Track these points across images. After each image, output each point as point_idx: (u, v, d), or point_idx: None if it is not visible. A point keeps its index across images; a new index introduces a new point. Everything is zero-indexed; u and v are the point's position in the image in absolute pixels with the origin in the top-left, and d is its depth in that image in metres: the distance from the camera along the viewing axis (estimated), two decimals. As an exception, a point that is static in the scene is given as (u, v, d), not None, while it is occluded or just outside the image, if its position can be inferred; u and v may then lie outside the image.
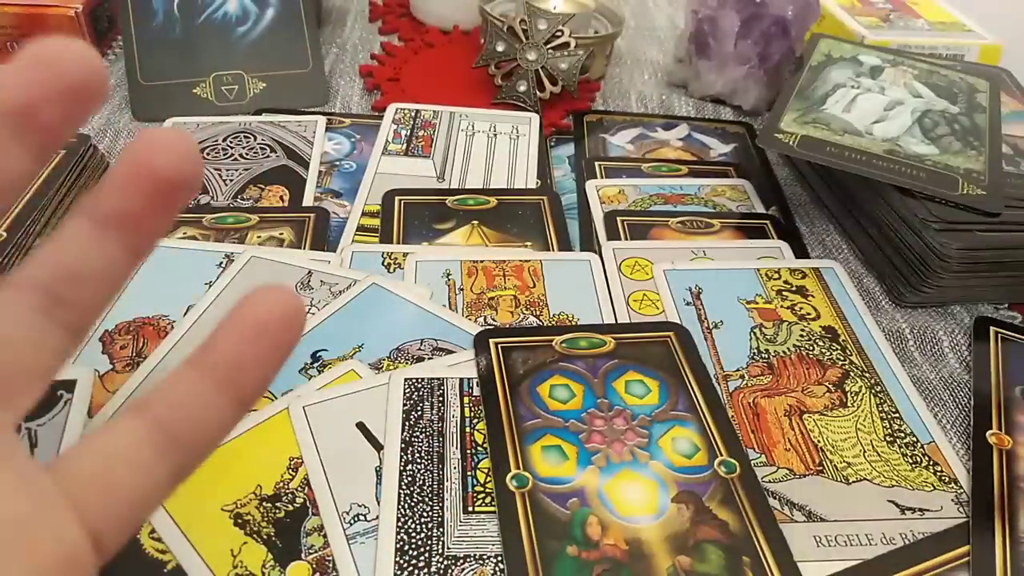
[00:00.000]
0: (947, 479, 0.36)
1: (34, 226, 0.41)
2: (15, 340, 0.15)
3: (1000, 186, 0.46)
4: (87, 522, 0.15)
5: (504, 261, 0.45)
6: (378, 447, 0.34)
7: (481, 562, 0.31)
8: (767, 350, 0.41)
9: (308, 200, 0.51)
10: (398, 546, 0.31)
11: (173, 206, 0.16)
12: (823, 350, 0.41)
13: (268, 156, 0.54)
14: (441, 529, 0.31)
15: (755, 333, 0.42)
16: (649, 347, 0.40)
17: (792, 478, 0.35)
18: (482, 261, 0.45)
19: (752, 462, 0.35)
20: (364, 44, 0.71)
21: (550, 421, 0.36)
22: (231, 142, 0.55)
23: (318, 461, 0.33)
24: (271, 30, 0.62)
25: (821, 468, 0.36)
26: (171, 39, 0.60)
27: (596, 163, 0.56)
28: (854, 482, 0.35)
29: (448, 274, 0.44)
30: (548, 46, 0.59)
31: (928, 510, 0.34)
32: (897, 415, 0.38)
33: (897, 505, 0.34)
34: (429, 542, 0.31)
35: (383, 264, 0.45)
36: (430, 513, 0.32)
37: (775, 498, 0.34)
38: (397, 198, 0.50)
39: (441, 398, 0.37)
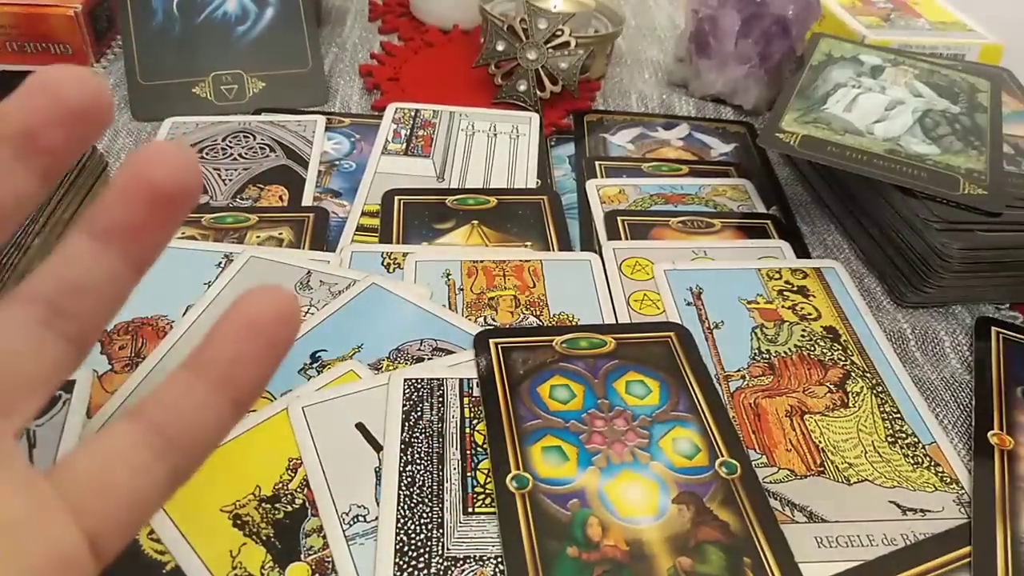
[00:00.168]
0: (948, 480, 0.35)
1: (33, 226, 0.41)
2: (15, 350, 0.15)
3: (1001, 186, 0.46)
4: (84, 525, 0.15)
5: (504, 261, 0.45)
6: (377, 448, 0.34)
7: (481, 563, 0.31)
8: (768, 350, 0.41)
9: (307, 200, 0.51)
10: (398, 547, 0.31)
11: (173, 218, 0.16)
12: (824, 350, 0.41)
13: (267, 156, 0.54)
14: (441, 530, 0.31)
15: (756, 333, 0.42)
16: (650, 347, 0.40)
17: (793, 479, 0.35)
18: (482, 261, 0.45)
19: (753, 463, 0.35)
20: (364, 44, 0.71)
21: (550, 422, 0.36)
22: (230, 142, 0.55)
23: (317, 462, 0.33)
24: (271, 30, 0.62)
25: (822, 469, 0.36)
26: (171, 39, 0.60)
27: (596, 163, 0.56)
28: (855, 483, 0.35)
29: (448, 274, 0.44)
30: (548, 45, 0.59)
31: (929, 511, 0.34)
32: (898, 415, 0.38)
33: (898, 506, 0.34)
34: (429, 543, 0.31)
35: (383, 264, 0.45)
36: (430, 514, 0.32)
37: (776, 499, 0.34)
38: (397, 198, 0.50)
39: (441, 398, 0.36)
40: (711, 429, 0.36)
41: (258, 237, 0.46)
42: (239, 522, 0.31)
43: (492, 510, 0.32)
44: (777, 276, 0.46)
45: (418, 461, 0.34)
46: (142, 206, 0.15)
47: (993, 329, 0.44)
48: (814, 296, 0.45)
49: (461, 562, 0.31)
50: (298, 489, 0.32)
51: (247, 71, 0.61)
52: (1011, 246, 0.44)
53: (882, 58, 0.58)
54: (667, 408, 0.37)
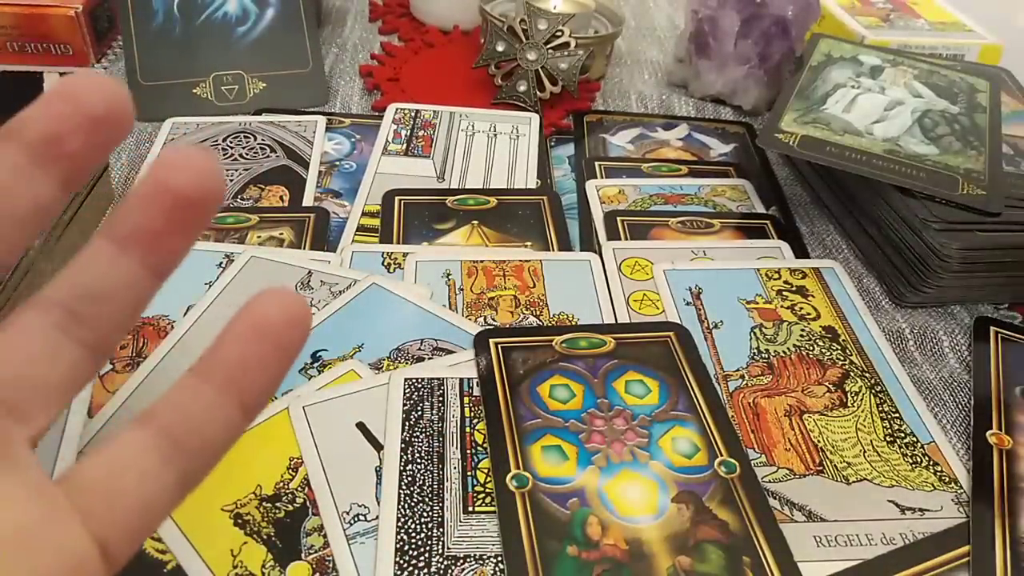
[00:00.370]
0: (947, 479, 0.36)
1: (34, 226, 0.41)
2: (33, 357, 0.15)
3: (1000, 186, 0.46)
4: (95, 531, 0.15)
5: (504, 261, 0.45)
6: (378, 447, 0.34)
7: (481, 562, 0.31)
8: (767, 350, 0.41)
9: (308, 200, 0.51)
10: (398, 546, 0.31)
11: (193, 225, 0.16)
12: (823, 350, 0.41)
13: (268, 156, 0.54)
14: (441, 529, 0.31)
15: (755, 333, 0.42)
16: (649, 347, 0.40)
17: (792, 478, 0.35)
18: (482, 261, 0.45)
19: (752, 462, 0.35)
20: (364, 44, 0.71)
21: (550, 421, 0.36)
22: (231, 142, 0.55)
23: (318, 461, 0.33)
24: (271, 30, 0.62)
25: (821, 468, 0.36)
26: (171, 39, 0.60)
27: (596, 163, 0.56)
28: (854, 482, 0.35)
29: (448, 274, 0.44)
30: (548, 46, 0.59)
31: (928, 510, 0.34)
32: (897, 415, 0.38)
33: (897, 505, 0.34)
34: (429, 542, 0.31)
35: (383, 264, 0.45)
36: (430, 513, 0.32)
37: (775, 498, 0.34)
38: (397, 198, 0.50)
39: (441, 398, 0.37)
40: (710, 428, 0.36)
41: (259, 237, 0.46)
42: (240, 521, 0.31)
43: (492, 509, 0.32)
44: (776, 276, 0.46)
45: (418, 460, 0.34)
46: (163, 212, 0.15)
47: (992, 329, 0.44)
48: (813, 296, 0.45)
49: (461, 561, 0.31)
50: (299, 488, 0.33)
51: (248, 71, 0.61)
52: (1010, 246, 0.44)
53: (881, 58, 0.58)
54: (666, 408, 0.37)
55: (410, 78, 0.65)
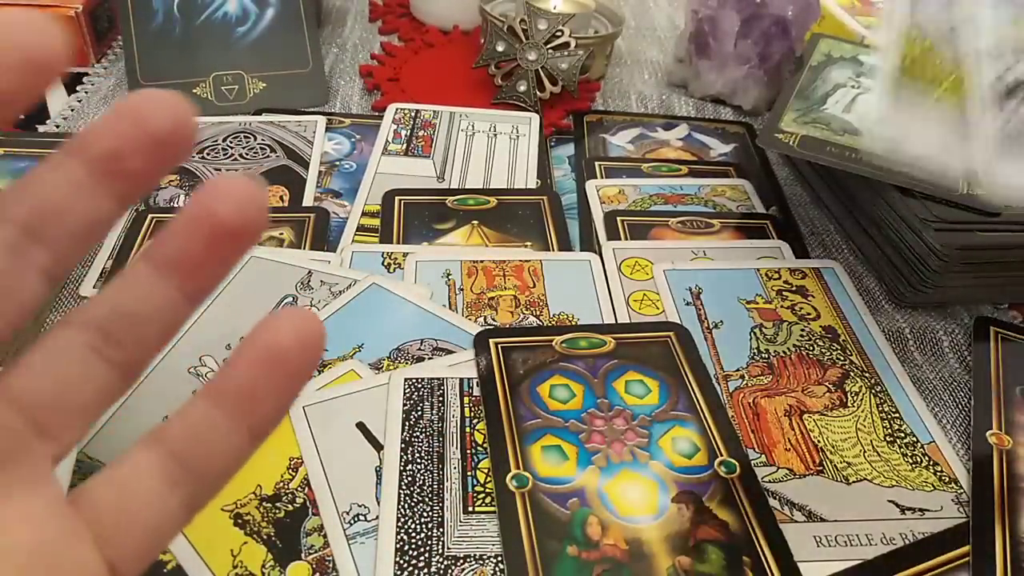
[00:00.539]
0: (947, 479, 0.36)
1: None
2: (64, 376, 0.15)
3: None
4: (106, 553, 0.15)
5: (504, 261, 0.45)
6: (378, 447, 0.34)
7: (481, 562, 0.31)
8: (767, 350, 0.41)
9: (308, 200, 0.51)
10: (398, 546, 0.31)
11: (234, 253, 0.16)
12: (823, 350, 0.41)
13: (268, 156, 0.54)
14: (441, 529, 0.31)
15: (755, 333, 0.42)
16: (649, 347, 0.40)
17: (792, 478, 0.35)
18: (482, 261, 0.45)
19: (752, 462, 0.35)
20: (364, 44, 0.71)
21: (550, 421, 0.36)
22: (231, 142, 0.55)
23: (318, 461, 0.33)
24: (271, 30, 0.62)
25: (821, 468, 0.36)
26: (171, 39, 0.60)
27: (596, 163, 0.56)
28: (854, 482, 0.35)
29: (448, 274, 0.44)
30: (548, 46, 0.59)
31: (928, 510, 0.34)
32: (897, 415, 0.38)
33: (897, 505, 0.34)
34: (429, 542, 0.31)
35: (383, 264, 0.45)
36: (430, 513, 0.32)
37: (775, 498, 0.34)
38: (397, 198, 0.50)
39: (441, 398, 0.37)
40: (710, 428, 0.36)
41: (259, 237, 0.46)
42: (240, 521, 0.31)
43: (492, 509, 0.32)
44: (776, 276, 0.46)
45: (418, 460, 0.34)
46: (203, 240, 0.15)
47: (992, 329, 0.44)
48: (813, 296, 0.45)
49: (461, 561, 0.31)
50: (299, 488, 0.33)
51: (248, 72, 0.61)
52: (1010, 246, 0.44)
53: (881, 58, 0.58)
54: (666, 407, 0.37)
55: (410, 78, 0.65)
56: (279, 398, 0.16)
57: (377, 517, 0.32)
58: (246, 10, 0.61)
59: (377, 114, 0.60)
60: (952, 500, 0.35)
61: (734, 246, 0.49)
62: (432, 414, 0.36)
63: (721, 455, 0.35)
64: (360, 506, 0.32)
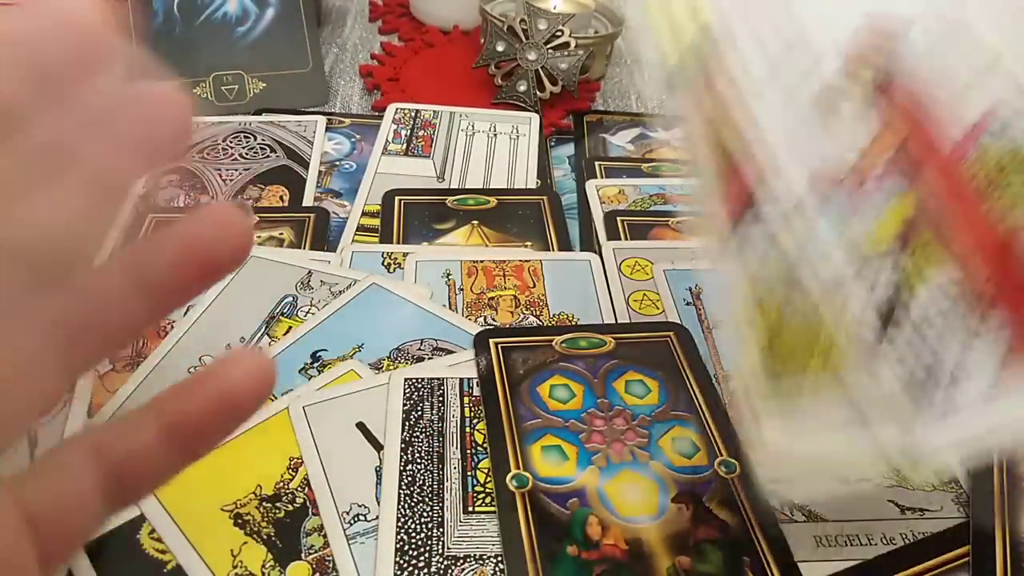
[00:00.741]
0: (947, 479, 0.36)
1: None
2: (68, 500, 0.15)
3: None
4: (34, 542, 0.15)
5: (504, 261, 0.45)
6: (378, 447, 0.34)
7: (481, 562, 0.31)
8: (767, 350, 0.41)
9: (308, 200, 0.51)
10: (398, 546, 0.31)
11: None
12: (823, 350, 0.41)
13: (268, 156, 0.54)
14: (441, 529, 0.31)
15: (755, 333, 0.42)
16: (649, 347, 0.40)
17: (792, 478, 0.35)
18: (482, 261, 0.45)
19: (752, 462, 0.35)
20: (364, 44, 0.71)
21: (550, 421, 0.36)
22: (231, 142, 0.55)
23: (318, 461, 0.33)
24: (271, 30, 0.62)
25: (821, 468, 0.36)
26: (171, 39, 0.60)
27: (596, 163, 0.56)
28: (854, 482, 0.35)
29: (448, 274, 0.44)
30: (548, 46, 0.59)
31: (928, 510, 0.34)
32: (897, 415, 0.38)
33: (897, 505, 0.34)
34: (429, 542, 0.31)
35: (383, 264, 0.45)
36: (430, 513, 0.32)
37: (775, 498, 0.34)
38: (397, 198, 0.50)
39: (441, 398, 0.37)
40: (710, 428, 0.36)
41: (259, 237, 0.46)
42: (240, 521, 0.31)
43: (492, 509, 0.32)
44: (776, 276, 0.46)
45: (418, 460, 0.34)
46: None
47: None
48: (813, 296, 0.45)
49: (461, 561, 0.31)
50: (299, 488, 0.33)
51: (248, 71, 0.61)
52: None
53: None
54: (666, 407, 0.37)
55: (410, 78, 0.65)
56: (220, 433, 0.17)
57: (377, 517, 0.32)
58: (246, 10, 0.61)
59: (377, 114, 0.60)
60: (952, 500, 0.35)
61: (734, 246, 0.49)
62: (432, 414, 0.36)
63: (721, 455, 0.35)
64: (360, 506, 0.32)
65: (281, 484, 0.33)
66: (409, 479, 0.33)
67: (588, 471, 0.34)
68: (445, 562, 0.30)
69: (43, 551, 0.15)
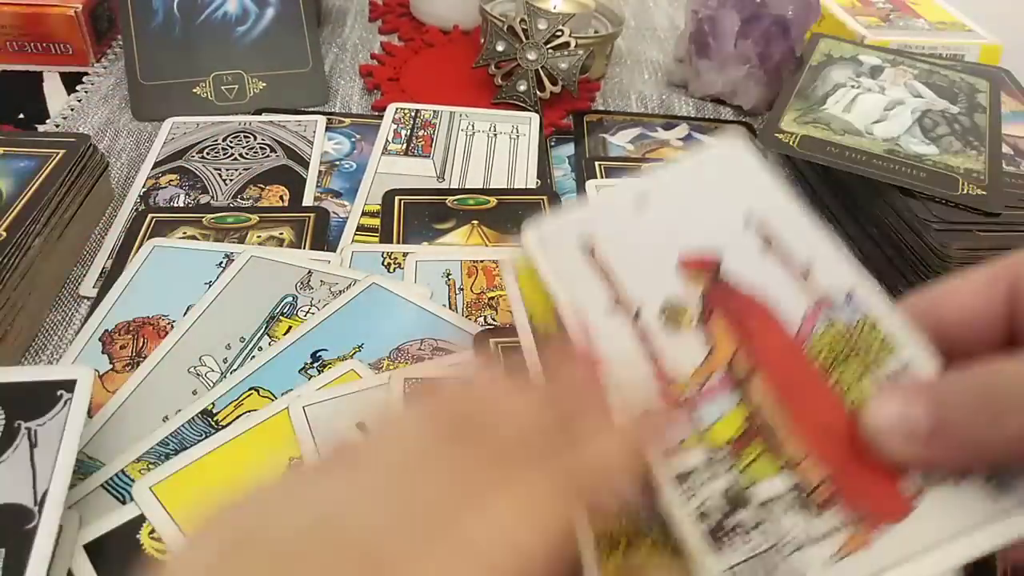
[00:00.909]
0: None
1: (34, 226, 0.41)
2: None
3: (1000, 186, 0.46)
4: None
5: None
6: (378, 447, 0.34)
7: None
8: (767, 350, 0.41)
9: (308, 200, 0.51)
10: (398, 546, 0.31)
11: None
12: (823, 350, 0.41)
13: (268, 156, 0.54)
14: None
15: (755, 333, 0.42)
16: (649, 347, 0.40)
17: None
18: (482, 261, 0.45)
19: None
20: (364, 44, 0.71)
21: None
22: (231, 142, 0.55)
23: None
24: (271, 30, 0.62)
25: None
26: (171, 39, 0.60)
27: (596, 163, 0.56)
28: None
29: (448, 274, 0.44)
30: (548, 46, 0.59)
31: (928, 510, 0.34)
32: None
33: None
34: (429, 542, 0.31)
35: (383, 264, 0.45)
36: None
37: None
38: (397, 198, 0.50)
39: (441, 398, 0.36)
40: (710, 428, 0.36)
41: (259, 237, 0.46)
42: (240, 521, 0.31)
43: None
44: (776, 276, 0.46)
45: (419, 460, 0.34)
46: None
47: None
48: (813, 296, 0.45)
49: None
50: (299, 488, 0.33)
51: (247, 71, 0.61)
52: (1010, 246, 0.44)
53: (881, 58, 0.58)
54: (667, 408, 0.37)
55: (410, 78, 0.65)
56: None
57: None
58: (246, 10, 0.61)
59: (377, 114, 0.60)
60: None
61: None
62: (432, 414, 0.36)
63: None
64: (360, 506, 0.32)
65: (281, 484, 0.33)
66: (409, 479, 0.33)
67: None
68: (445, 562, 0.30)
69: None
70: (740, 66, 0.63)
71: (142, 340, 0.39)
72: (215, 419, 0.35)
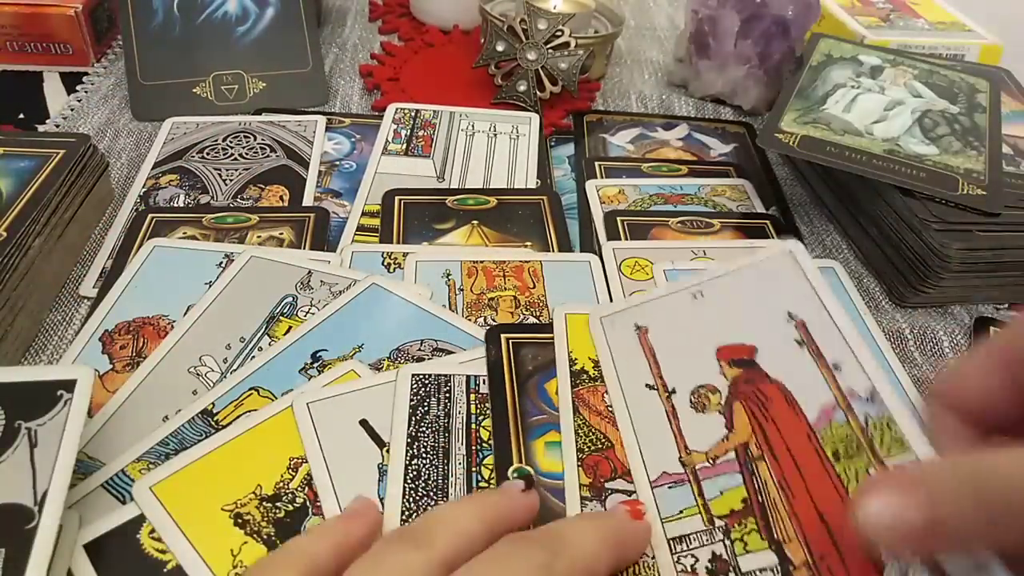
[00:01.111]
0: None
1: (34, 226, 0.41)
2: None
3: (1000, 186, 0.46)
4: None
5: (504, 261, 0.45)
6: (381, 444, 0.34)
7: (482, 562, 0.31)
8: (768, 350, 0.41)
9: (308, 200, 0.51)
10: (399, 546, 0.31)
11: None
12: (824, 350, 0.42)
13: (268, 156, 0.54)
14: (442, 529, 0.31)
15: (756, 333, 0.42)
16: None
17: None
18: (482, 261, 0.45)
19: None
20: (364, 44, 0.71)
21: (555, 418, 0.36)
22: (231, 142, 0.55)
23: (321, 458, 0.33)
24: (271, 30, 0.62)
25: (822, 468, 0.36)
26: (171, 39, 0.60)
27: (596, 163, 0.56)
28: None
29: (448, 274, 0.44)
30: (548, 46, 0.59)
31: (929, 510, 0.34)
32: (898, 415, 0.38)
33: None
34: (430, 542, 0.31)
35: (383, 264, 0.45)
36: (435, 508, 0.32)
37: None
38: (397, 198, 0.50)
39: (448, 394, 0.36)
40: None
41: (259, 237, 0.46)
42: (240, 521, 0.31)
43: (493, 509, 0.32)
44: (777, 276, 0.46)
45: (424, 455, 0.34)
46: None
47: (992, 329, 0.44)
48: (814, 296, 0.45)
49: (462, 561, 0.31)
50: (299, 488, 0.33)
51: (247, 71, 0.61)
52: (1010, 246, 0.44)
53: (881, 58, 0.58)
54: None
55: (410, 78, 0.65)
56: None
57: (381, 512, 0.32)
58: (246, 10, 0.61)
59: (377, 114, 0.60)
60: None
61: (734, 246, 0.49)
62: (438, 410, 0.36)
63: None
64: (361, 506, 0.32)
65: (281, 484, 0.33)
66: (414, 473, 0.33)
67: (589, 471, 0.34)
68: (446, 562, 0.30)
69: None
70: (740, 66, 0.63)
71: (142, 340, 0.39)
72: (215, 419, 0.35)
